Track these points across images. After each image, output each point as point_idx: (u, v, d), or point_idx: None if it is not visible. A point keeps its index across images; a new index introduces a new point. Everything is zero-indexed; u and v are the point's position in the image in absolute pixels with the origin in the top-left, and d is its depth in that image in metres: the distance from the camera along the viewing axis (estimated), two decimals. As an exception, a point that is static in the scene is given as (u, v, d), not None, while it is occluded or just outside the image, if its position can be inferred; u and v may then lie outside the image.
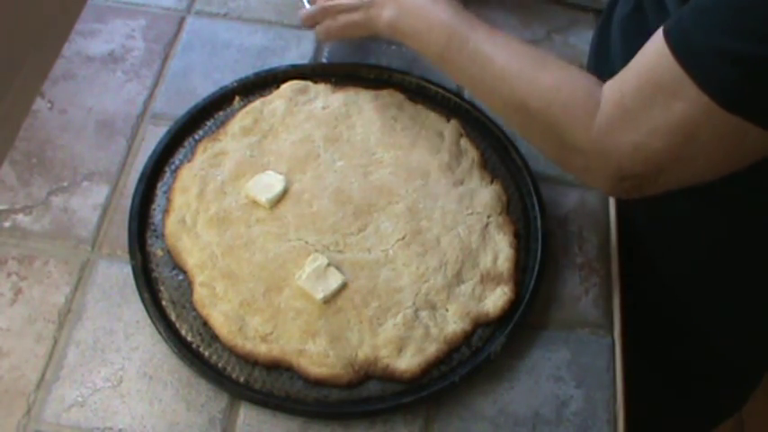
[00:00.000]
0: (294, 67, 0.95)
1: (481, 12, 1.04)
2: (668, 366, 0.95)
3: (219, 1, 1.02)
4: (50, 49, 0.95)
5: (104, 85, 0.92)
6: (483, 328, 0.76)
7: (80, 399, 0.71)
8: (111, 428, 0.69)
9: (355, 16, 0.85)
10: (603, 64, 0.84)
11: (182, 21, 0.99)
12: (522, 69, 0.71)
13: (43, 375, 0.72)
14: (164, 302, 0.76)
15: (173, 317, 0.75)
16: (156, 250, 0.79)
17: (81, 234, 0.80)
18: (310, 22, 0.92)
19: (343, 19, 0.86)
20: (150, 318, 0.74)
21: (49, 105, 0.90)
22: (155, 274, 0.77)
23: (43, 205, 0.82)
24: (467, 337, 0.75)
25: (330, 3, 0.89)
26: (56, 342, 0.73)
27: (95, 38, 0.96)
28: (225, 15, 1.01)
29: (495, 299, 0.76)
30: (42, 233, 0.80)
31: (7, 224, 0.80)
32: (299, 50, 0.98)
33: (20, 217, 0.81)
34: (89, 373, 0.72)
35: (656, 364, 0.93)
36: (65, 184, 0.84)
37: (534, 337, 0.77)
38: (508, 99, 0.72)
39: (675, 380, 0.96)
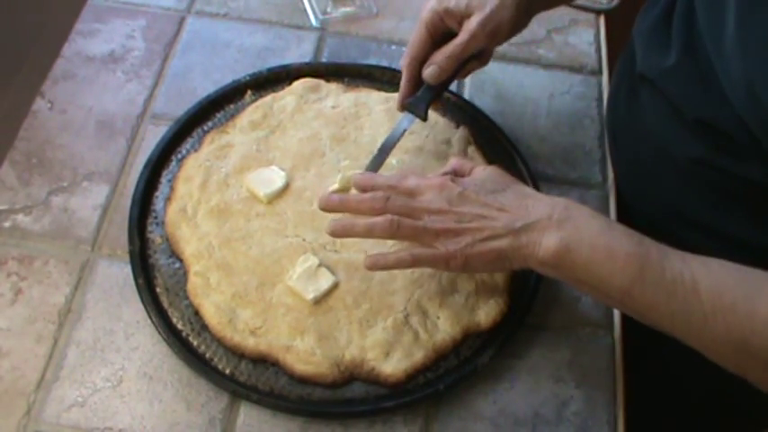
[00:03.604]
0: (308, 64, 0.95)
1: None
2: (668, 365, 0.95)
3: (219, 1, 1.02)
4: (50, 49, 0.95)
5: (104, 85, 0.92)
6: (473, 338, 0.75)
7: (80, 399, 0.70)
8: (111, 428, 0.69)
9: (500, 244, 0.66)
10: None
11: (182, 21, 0.99)
12: (736, 301, 0.60)
13: (43, 375, 0.71)
14: (158, 289, 0.76)
15: (165, 304, 0.75)
16: (156, 237, 0.80)
17: (81, 234, 0.80)
18: (384, 233, 0.69)
19: (480, 248, 0.67)
20: (142, 302, 0.74)
21: (49, 105, 0.90)
22: (151, 261, 0.78)
23: (43, 205, 0.82)
24: (456, 346, 0.74)
25: (433, 216, 0.68)
26: (56, 342, 0.73)
27: (95, 38, 0.96)
28: (225, 15, 1.01)
29: (488, 310, 0.76)
30: (42, 233, 0.80)
31: (7, 224, 0.80)
32: (299, 50, 0.98)
33: (20, 217, 0.81)
34: (89, 373, 0.72)
35: (656, 363, 0.93)
36: (65, 184, 0.84)
37: (534, 337, 0.77)
38: (722, 338, 0.61)
39: (676, 380, 0.96)
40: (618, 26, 1.04)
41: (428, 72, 0.81)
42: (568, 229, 0.65)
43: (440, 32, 0.80)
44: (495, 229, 0.66)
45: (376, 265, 0.72)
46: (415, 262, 0.70)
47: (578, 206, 0.67)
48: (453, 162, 0.75)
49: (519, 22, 0.81)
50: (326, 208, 0.73)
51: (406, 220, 0.68)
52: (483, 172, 0.72)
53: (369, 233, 0.70)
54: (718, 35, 0.65)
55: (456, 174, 0.73)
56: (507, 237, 0.66)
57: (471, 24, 0.78)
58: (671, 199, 0.78)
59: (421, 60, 0.81)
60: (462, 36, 0.78)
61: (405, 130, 0.82)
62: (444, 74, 0.80)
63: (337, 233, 0.72)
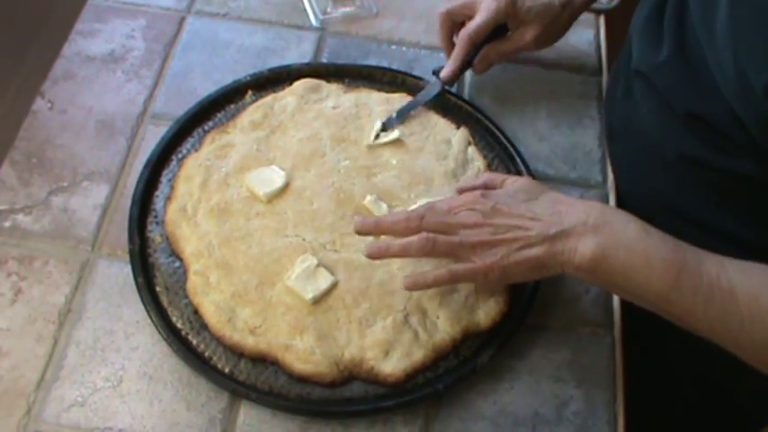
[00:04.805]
0: (309, 65, 0.95)
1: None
2: (668, 365, 0.95)
3: (219, 1, 1.02)
4: (50, 49, 0.95)
5: (104, 85, 0.92)
6: (473, 338, 0.75)
7: (80, 399, 0.70)
8: (111, 428, 0.69)
9: (536, 252, 0.66)
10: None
11: (182, 21, 0.99)
12: None
13: (43, 375, 0.71)
14: (158, 288, 0.76)
15: (165, 303, 0.75)
16: (156, 236, 0.80)
17: (81, 234, 0.80)
18: (420, 251, 0.68)
19: (516, 257, 0.66)
20: (142, 301, 0.74)
21: (49, 105, 0.90)
22: (151, 260, 0.78)
23: (43, 205, 0.82)
24: (455, 346, 0.74)
25: (465, 228, 0.68)
26: (56, 342, 0.73)
27: (95, 38, 0.96)
28: (225, 15, 1.01)
29: (488, 309, 0.75)
30: (42, 233, 0.80)
31: (7, 224, 0.80)
32: (299, 50, 0.98)
33: (20, 217, 0.81)
34: (89, 373, 0.72)
35: (656, 363, 0.93)
36: (65, 184, 0.84)
37: (534, 337, 0.77)
38: (760, 342, 0.61)
39: (675, 379, 0.96)
40: (618, 26, 1.04)
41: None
42: (605, 233, 0.64)
43: (498, 24, 0.87)
44: (529, 238, 0.66)
45: (416, 285, 0.72)
46: (453, 278, 0.70)
47: (614, 210, 0.68)
48: (485, 177, 0.76)
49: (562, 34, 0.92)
50: (362, 231, 0.73)
51: (442, 236, 0.68)
52: (515, 184, 0.72)
53: (405, 252, 0.70)
54: (711, 26, 0.65)
55: (487, 188, 0.73)
56: (543, 244, 0.66)
57: (527, 36, 0.88)
58: (666, 195, 0.78)
59: (477, 44, 0.88)
60: (516, 44, 0.89)
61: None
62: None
63: (374, 256, 0.72)
